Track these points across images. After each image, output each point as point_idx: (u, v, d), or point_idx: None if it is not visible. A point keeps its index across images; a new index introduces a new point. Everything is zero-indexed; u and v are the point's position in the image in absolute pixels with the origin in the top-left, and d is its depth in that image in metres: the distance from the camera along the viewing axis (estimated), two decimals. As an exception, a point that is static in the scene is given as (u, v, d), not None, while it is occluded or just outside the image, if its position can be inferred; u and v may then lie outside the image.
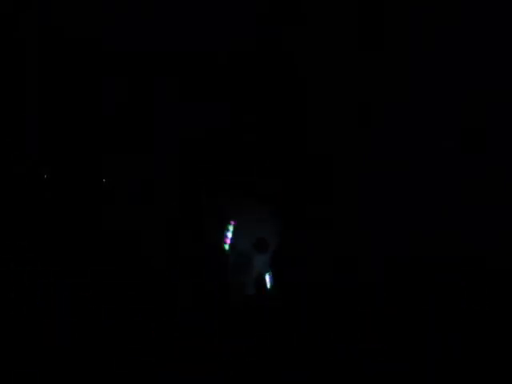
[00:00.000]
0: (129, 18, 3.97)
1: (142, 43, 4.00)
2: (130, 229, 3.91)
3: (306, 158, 4.01)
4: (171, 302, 3.52)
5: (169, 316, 3.42)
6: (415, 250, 3.63)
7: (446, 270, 3.52)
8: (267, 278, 3.90)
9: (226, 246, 4.02)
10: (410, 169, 3.78)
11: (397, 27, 3.77)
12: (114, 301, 3.46)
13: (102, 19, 3.95)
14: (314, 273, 3.68)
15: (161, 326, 3.34)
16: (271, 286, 3.88)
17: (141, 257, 3.79)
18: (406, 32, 3.75)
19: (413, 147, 3.80)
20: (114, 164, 4.04)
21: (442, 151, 3.76)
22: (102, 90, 4.04)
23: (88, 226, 3.85)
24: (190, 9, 3.95)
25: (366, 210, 3.81)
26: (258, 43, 4.00)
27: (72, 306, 3.40)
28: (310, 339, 3.28)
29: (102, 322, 3.31)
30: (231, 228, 4.05)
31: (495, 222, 3.59)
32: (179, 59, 4.04)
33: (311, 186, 3.99)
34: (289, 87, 4.05)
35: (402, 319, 3.36)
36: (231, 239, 4.04)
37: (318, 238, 3.79)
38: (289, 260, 3.83)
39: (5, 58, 3.92)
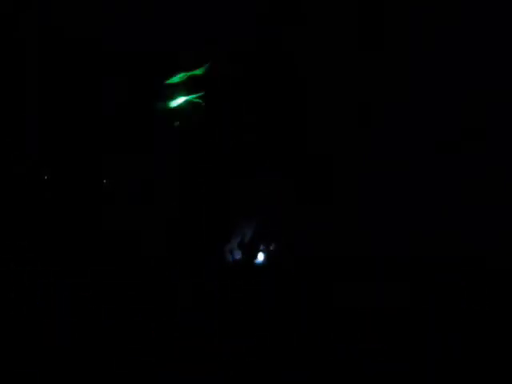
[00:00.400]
0: (129, 18, 3.97)
1: (142, 43, 4.00)
2: (130, 229, 3.91)
3: (306, 158, 4.01)
4: (171, 302, 3.52)
5: (169, 316, 3.42)
6: (415, 249, 3.63)
7: (446, 270, 3.52)
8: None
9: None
10: (410, 169, 3.78)
11: (397, 27, 3.78)
12: (114, 301, 3.46)
13: (102, 19, 3.96)
14: (313, 272, 3.68)
15: (161, 326, 3.34)
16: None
17: (141, 257, 3.78)
18: (406, 32, 3.76)
19: (413, 147, 3.80)
20: (114, 164, 4.04)
21: (441, 151, 3.76)
22: (102, 90, 4.04)
23: (88, 226, 3.85)
24: (190, 9, 3.96)
25: (366, 211, 3.81)
26: (257, 43, 4.00)
27: (72, 305, 3.40)
28: (309, 339, 3.28)
29: (102, 322, 3.31)
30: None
31: (495, 222, 3.59)
32: (179, 59, 4.04)
33: (311, 186, 3.99)
34: (289, 87, 4.05)
35: (401, 319, 3.36)
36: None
37: (316, 238, 3.79)
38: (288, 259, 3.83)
39: (5, 58, 3.92)
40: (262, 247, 3.89)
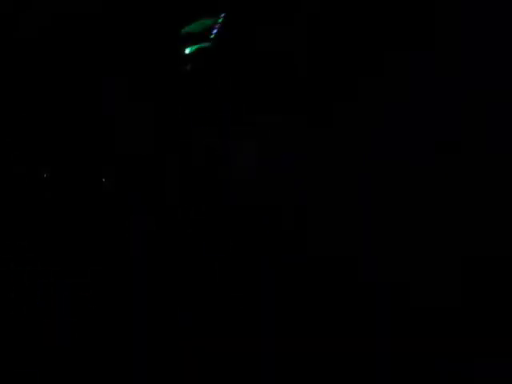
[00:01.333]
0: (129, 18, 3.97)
1: (142, 43, 4.00)
2: (130, 228, 3.91)
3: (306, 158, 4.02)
4: (171, 302, 3.52)
5: (169, 316, 3.43)
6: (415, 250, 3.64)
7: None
8: None
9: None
10: (410, 169, 3.78)
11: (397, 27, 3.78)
12: (114, 301, 3.46)
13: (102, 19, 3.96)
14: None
15: (161, 325, 3.34)
16: None
17: (141, 256, 3.79)
18: (406, 32, 3.76)
19: (413, 147, 3.81)
20: (114, 164, 4.04)
21: (442, 151, 3.76)
22: (101, 90, 4.05)
23: (88, 226, 3.85)
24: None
25: (366, 212, 3.82)
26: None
27: (72, 306, 3.40)
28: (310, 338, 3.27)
29: (102, 322, 3.31)
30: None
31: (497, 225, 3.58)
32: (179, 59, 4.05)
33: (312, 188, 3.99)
34: (289, 87, 4.05)
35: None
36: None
37: (316, 239, 3.79)
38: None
39: (5, 58, 3.92)
40: None
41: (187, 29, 3.74)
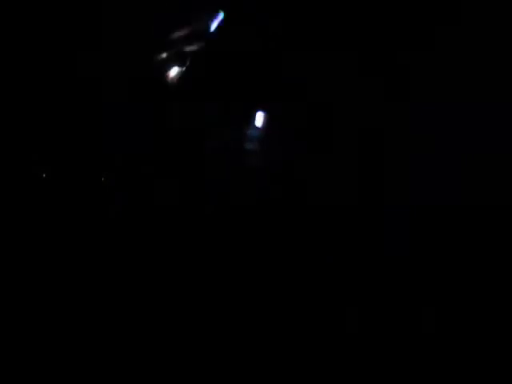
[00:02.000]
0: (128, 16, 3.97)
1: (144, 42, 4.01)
2: (131, 228, 3.92)
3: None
4: (172, 303, 3.53)
5: (169, 316, 3.44)
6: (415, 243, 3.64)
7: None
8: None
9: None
10: (410, 169, 3.79)
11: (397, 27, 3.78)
12: (114, 301, 3.47)
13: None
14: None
15: (161, 325, 3.35)
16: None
17: (141, 257, 3.80)
18: (406, 32, 3.76)
19: (413, 147, 3.81)
20: (113, 163, 4.05)
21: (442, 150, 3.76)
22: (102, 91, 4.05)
23: (88, 226, 3.86)
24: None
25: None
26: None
27: (72, 305, 3.41)
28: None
29: (102, 322, 3.32)
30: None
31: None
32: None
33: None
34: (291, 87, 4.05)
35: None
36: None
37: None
38: None
39: (5, 57, 3.93)
40: None
41: None
